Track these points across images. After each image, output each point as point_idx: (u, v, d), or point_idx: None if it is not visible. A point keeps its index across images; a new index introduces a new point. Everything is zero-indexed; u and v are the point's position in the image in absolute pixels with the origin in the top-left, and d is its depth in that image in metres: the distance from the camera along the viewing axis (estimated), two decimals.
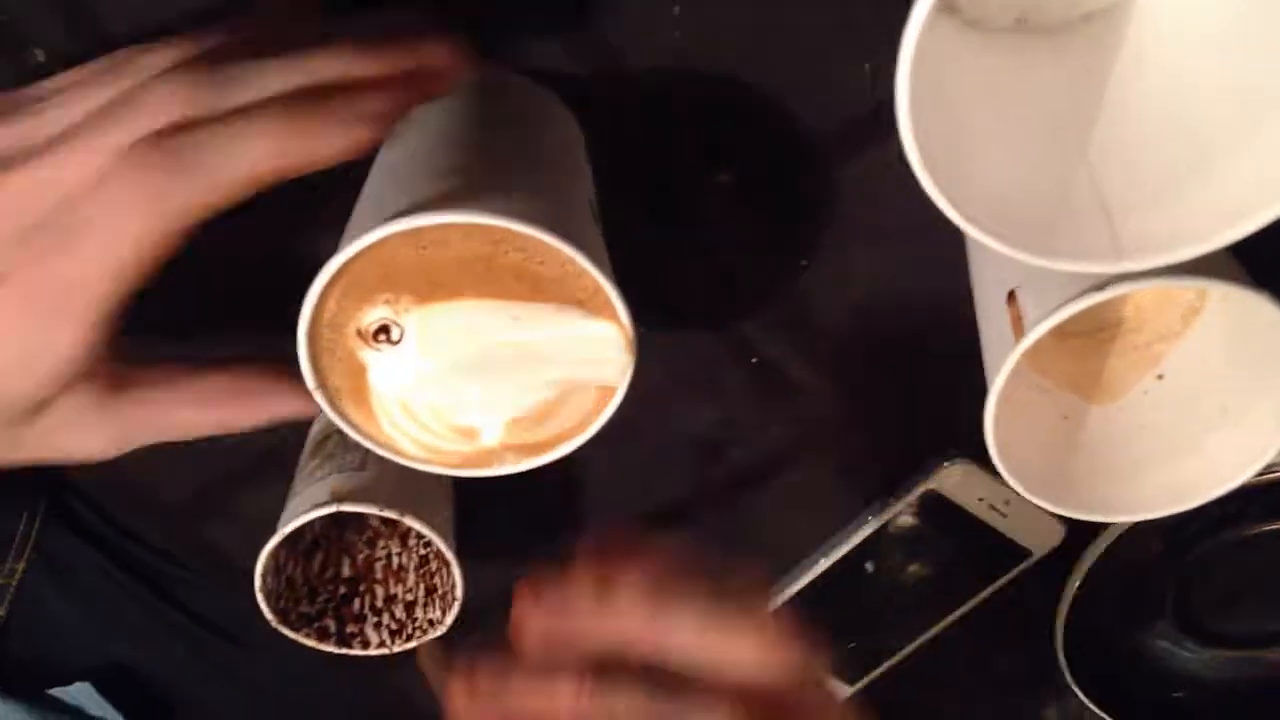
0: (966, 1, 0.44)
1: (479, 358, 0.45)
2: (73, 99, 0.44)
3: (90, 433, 0.46)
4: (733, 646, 0.38)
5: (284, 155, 0.41)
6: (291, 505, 0.58)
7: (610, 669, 0.38)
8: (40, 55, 0.51)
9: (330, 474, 0.58)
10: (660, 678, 0.38)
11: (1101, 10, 0.44)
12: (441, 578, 0.62)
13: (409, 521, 0.57)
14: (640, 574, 0.39)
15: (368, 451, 0.48)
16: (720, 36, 0.51)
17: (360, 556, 0.64)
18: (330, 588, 0.63)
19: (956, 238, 0.57)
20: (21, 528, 0.88)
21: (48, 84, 0.46)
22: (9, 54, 0.51)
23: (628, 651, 0.38)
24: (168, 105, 0.41)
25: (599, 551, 0.41)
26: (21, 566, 0.88)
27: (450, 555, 0.58)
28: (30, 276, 0.41)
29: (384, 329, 0.45)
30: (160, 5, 0.49)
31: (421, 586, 0.63)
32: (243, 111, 0.41)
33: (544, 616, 0.38)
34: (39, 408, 0.44)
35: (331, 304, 0.44)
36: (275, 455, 0.66)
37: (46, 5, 0.50)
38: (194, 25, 0.49)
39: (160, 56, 0.44)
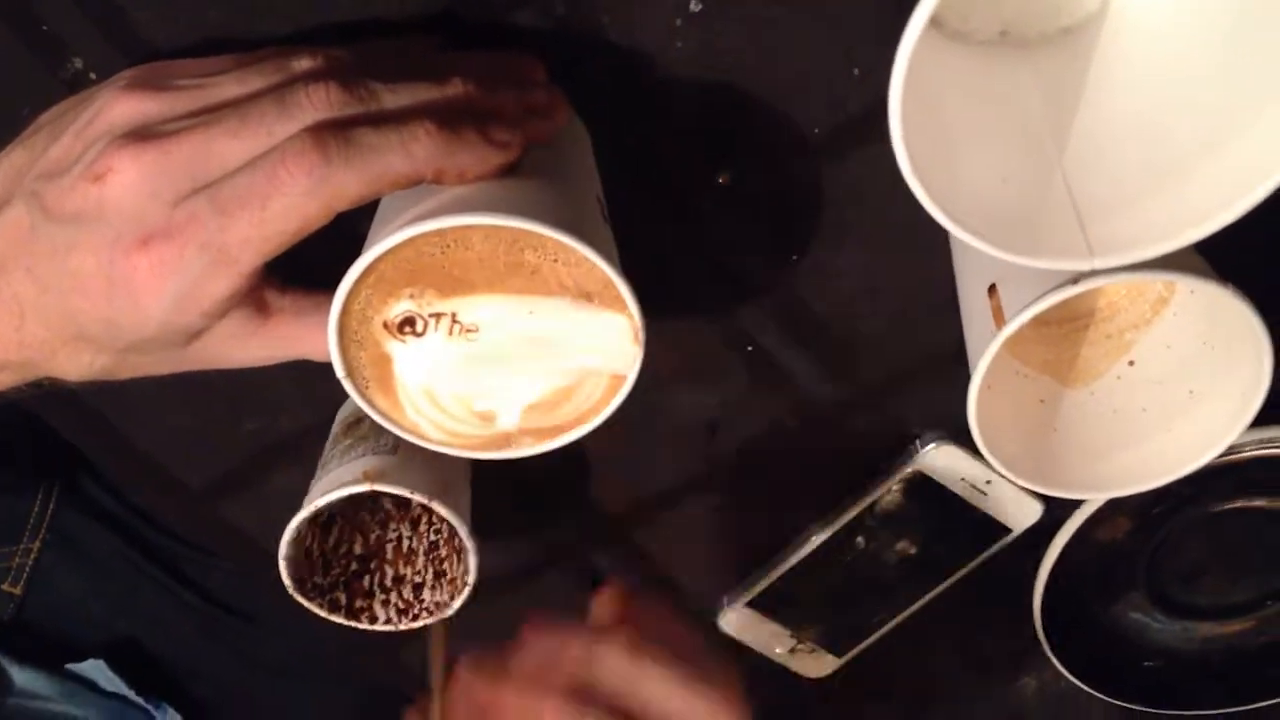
0: (952, 15, 0.47)
1: (498, 348, 0.49)
2: (225, 83, 0.47)
3: (242, 347, 0.50)
4: (695, 712, 0.43)
5: (431, 162, 0.44)
6: (324, 480, 0.61)
7: (589, 699, 0.46)
8: (79, 64, 0.53)
9: (364, 455, 0.61)
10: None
11: (1079, 25, 0.47)
12: (451, 564, 0.64)
13: (436, 507, 0.60)
14: (627, 637, 0.45)
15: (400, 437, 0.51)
16: (719, 46, 0.54)
17: (372, 536, 0.67)
18: (343, 563, 0.65)
19: (939, 233, 0.59)
20: (37, 507, 0.91)
21: (187, 65, 0.49)
22: (49, 62, 0.53)
23: (606, 692, 0.45)
24: (326, 103, 0.44)
25: (604, 602, 0.46)
26: (37, 546, 0.90)
27: (469, 543, 0.61)
28: (193, 237, 0.44)
29: (409, 321, 0.48)
30: (194, 17, 0.52)
31: (430, 570, 0.65)
32: (393, 119, 0.45)
33: (542, 648, 0.44)
34: (196, 335, 0.48)
35: (360, 298, 0.47)
36: (294, 441, 0.69)
37: (86, 15, 0.52)
38: (231, 34, 0.52)
39: (306, 61, 0.47)
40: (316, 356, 0.50)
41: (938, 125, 0.43)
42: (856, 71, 0.55)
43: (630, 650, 0.47)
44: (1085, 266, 0.42)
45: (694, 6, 0.53)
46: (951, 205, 0.41)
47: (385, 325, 0.48)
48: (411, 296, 0.47)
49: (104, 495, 0.92)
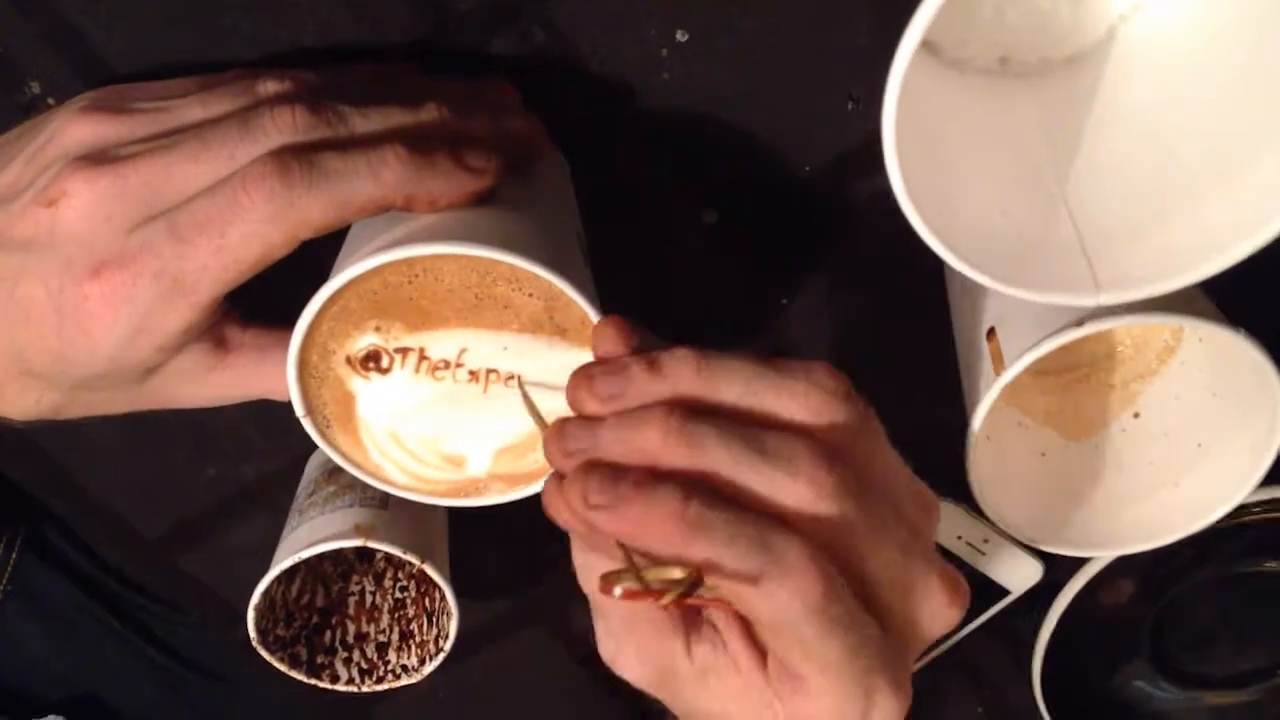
0: (949, 42, 0.45)
1: (468, 387, 0.46)
2: (188, 106, 0.45)
3: (200, 385, 0.48)
4: (784, 392, 0.38)
5: (401, 187, 0.43)
6: (304, 528, 0.58)
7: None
8: (36, 88, 0.51)
9: (352, 505, 0.58)
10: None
11: (1083, 53, 0.45)
12: (420, 625, 0.62)
13: (428, 570, 0.57)
14: (680, 346, 0.39)
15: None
16: (707, 77, 0.52)
17: (334, 588, 0.64)
18: (305, 615, 0.62)
19: (934, 277, 0.57)
20: None
21: (148, 87, 0.47)
22: (4, 87, 0.51)
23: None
24: (291, 127, 0.43)
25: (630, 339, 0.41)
26: None
27: (454, 608, 0.58)
28: (148, 265, 0.42)
29: (373, 356, 0.45)
30: (157, 41, 0.50)
31: (395, 630, 0.63)
32: (361, 143, 0.43)
33: (602, 389, 0.39)
34: (151, 370, 0.46)
35: (323, 331, 0.45)
36: (257, 488, 0.66)
37: (43, 39, 0.50)
38: (195, 60, 0.50)
39: (273, 84, 0.45)
40: (278, 396, 0.48)
41: (935, 154, 0.41)
42: (851, 105, 0.53)
43: (692, 356, 0.39)
44: (1092, 302, 0.39)
45: (680, 36, 0.51)
46: (950, 236, 0.38)
47: (348, 360, 0.45)
48: (377, 330, 0.45)
49: (68, 547, 0.89)
